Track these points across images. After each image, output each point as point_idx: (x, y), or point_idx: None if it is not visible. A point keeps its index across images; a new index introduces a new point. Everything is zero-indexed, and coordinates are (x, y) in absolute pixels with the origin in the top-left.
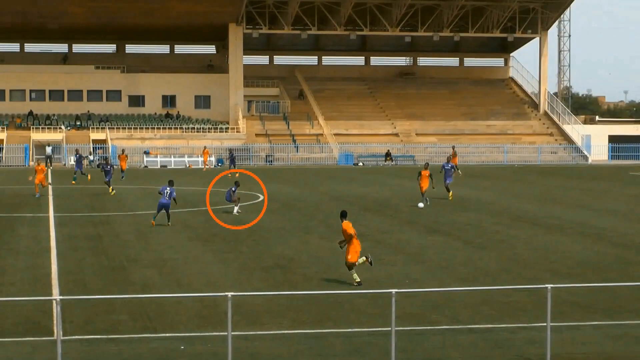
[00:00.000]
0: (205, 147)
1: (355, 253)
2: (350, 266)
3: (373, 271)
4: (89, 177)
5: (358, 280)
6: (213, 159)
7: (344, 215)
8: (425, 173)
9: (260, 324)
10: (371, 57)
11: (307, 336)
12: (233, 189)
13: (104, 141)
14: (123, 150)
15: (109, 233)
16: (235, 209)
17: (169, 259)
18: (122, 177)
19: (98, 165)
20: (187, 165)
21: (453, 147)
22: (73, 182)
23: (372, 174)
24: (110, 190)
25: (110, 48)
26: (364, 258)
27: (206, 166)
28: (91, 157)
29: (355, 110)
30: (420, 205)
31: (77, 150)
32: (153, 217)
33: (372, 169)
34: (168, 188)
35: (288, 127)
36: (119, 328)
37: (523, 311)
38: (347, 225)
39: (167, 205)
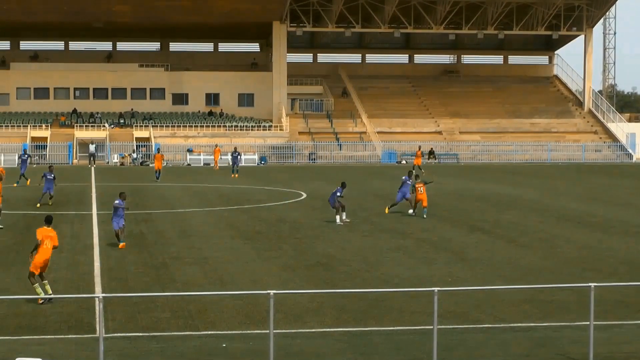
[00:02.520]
0: (217, 146)
1: None
2: None
3: (416, 269)
4: (28, 182)
5: None
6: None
7: None
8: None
9: (302, 322)
10: (415, 55)
11: (349, 334)
12: (338, 192)
13: (148, 139)
14: (159, 150)
15: (152, 230)
16: (339, 218)
17: (211, 257)
18: (157, 177)
19: (141, 163)
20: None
21: (419, 147)
22: (15, 184)
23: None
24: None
25: (154, 46)
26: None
27: (217, 165)
28: (134, 155)
29: (398, 108)
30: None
31: (25, 151)
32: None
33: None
34: (117, 200)
35: (331, 125)
36: (160, 326)
37: (566, 310)
38: None
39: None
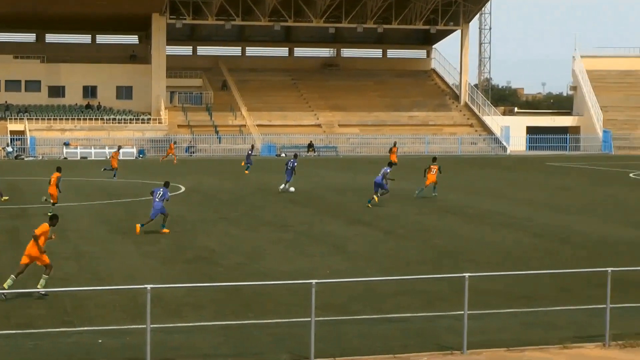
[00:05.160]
0: (173, 142)
1: None
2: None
3: (294, 262)
4: None
5: None
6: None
7: None
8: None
9: (181, 317)
10: (295, 48)
11: (228, 328)
12: (387, 169)
13: (23, 132)
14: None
15: (27, 226)
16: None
17: (87, 252)
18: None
19: (16, 157)
20: (108, 157)
21: (394, 144)
22: None
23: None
24: None
25: (29, 37)
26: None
27: (174, 158)
28: (9, 149)
29: (278, 102)
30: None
31: None
32: (141, 224)
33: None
34: (161, 189)
35: (211, 118)
36: (36, 323)
37: (443, 300)
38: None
39: (159, 209)
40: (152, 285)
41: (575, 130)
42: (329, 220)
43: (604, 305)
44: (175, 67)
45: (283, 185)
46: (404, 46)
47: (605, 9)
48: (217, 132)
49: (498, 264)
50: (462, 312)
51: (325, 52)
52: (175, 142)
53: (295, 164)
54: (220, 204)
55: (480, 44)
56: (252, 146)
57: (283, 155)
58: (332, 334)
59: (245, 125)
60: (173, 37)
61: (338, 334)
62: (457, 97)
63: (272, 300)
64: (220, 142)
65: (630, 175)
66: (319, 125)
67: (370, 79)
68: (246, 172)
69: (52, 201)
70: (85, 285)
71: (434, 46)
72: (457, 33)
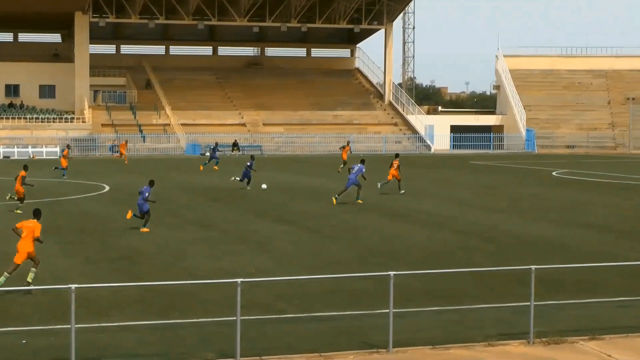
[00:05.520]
0: (125, 141)
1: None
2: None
3: (220, 261)
4: None
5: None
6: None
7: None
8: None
9: (106, 316)
10: (219, 47)
11: (154, 327)
12: (362, 167)
13: None
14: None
15: None
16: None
17: (10, 252)
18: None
19: None
20: (31, 156)
21: (348, 142)
22: None
23: (219, 164)
24: None
25: None
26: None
27: (125, 157)
28: None
29: (202, 101)
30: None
31: None
32: (134, 214)
33: (219, 159)
34: (146, 188)
35: (135, 117)
36: None
37: (369, 298)
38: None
39: (141, 208)
40: (76, 285)
41: (498, 129)
42: (255, 219)
43: (528, 303)
44: (98, 65)
45: (235, 177)
46: (328, 45)
47: (528, 9)
48: (141, 131)
49: (423, 263)
50: (388, 311)
51: (249, 51)
52: (126, 141)
53: (249, 163)
54: None
55: (404, 43)
56: (216, 143)
57: (207, 154)
58: (258, 332)
59: (169, 125)
60: (96, 36)
61: (264, 332)
62: (381, 96)
63: (198, 299)
64: (144, 142)
65: (554, 173)
66: (243, 125)
67: (295, 78)
68: (215, 167)
69: (17, 197)
70: (7, 285)
71: (358, 45)
72: (381, 32)
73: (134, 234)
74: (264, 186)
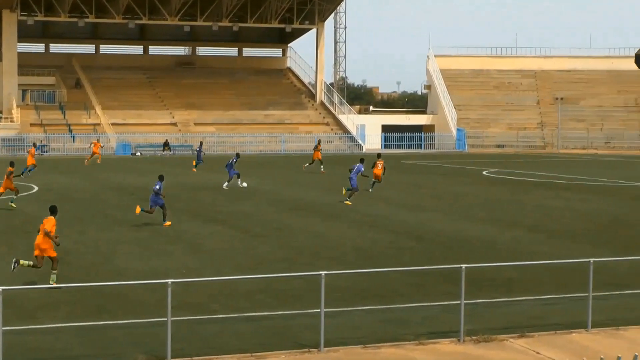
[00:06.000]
0: (98, 140)
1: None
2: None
3: (150, 261)
4: None
5: None
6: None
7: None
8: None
9: (34, 319)
10: (150, 47)
11: (83, 328)
12: (361, 167)
13: None
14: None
15: None
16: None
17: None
18: (26, 172)
19: None
20: None
21: (319, 141)
22: None
23: (150, 164)
24: None
25: None
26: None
27: (99, 157)
28: None
29: (133, 100)
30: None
31: None
32: (142, 209)
33: (150, 159)
34: (158, 183)
35: (64, 117)
36: None
37: (300, 298)
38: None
39: (156, 202)
40: (3, 287)
41: (429, 128)
42: (184, 219)
43: (459, 302)
44: (27, 64)
45: (226, 183)
46: (259, 45)
47: (458, 9)
48: (70, 131)
49: (354, 262)
50: (319, 310)
51: (180, 50)
52: (99, 140)
53: (234, 160)
54: (75, 203)
55: (336, 42)
56: (201, 143)
57: (138, 154)
58: (189, 333)
59: (99, 124)
60: (25, 34)
61: (195, 333)
62: (312, 96)
63: (128, 300)
64: (74, 141)
65: (484, 172)
66: (174, 124)
67: (226, 77)
68: (194, 169)
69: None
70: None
71: (289, 45)
72: (313, 32)
73: (63, 234)
74: (244, 184)
